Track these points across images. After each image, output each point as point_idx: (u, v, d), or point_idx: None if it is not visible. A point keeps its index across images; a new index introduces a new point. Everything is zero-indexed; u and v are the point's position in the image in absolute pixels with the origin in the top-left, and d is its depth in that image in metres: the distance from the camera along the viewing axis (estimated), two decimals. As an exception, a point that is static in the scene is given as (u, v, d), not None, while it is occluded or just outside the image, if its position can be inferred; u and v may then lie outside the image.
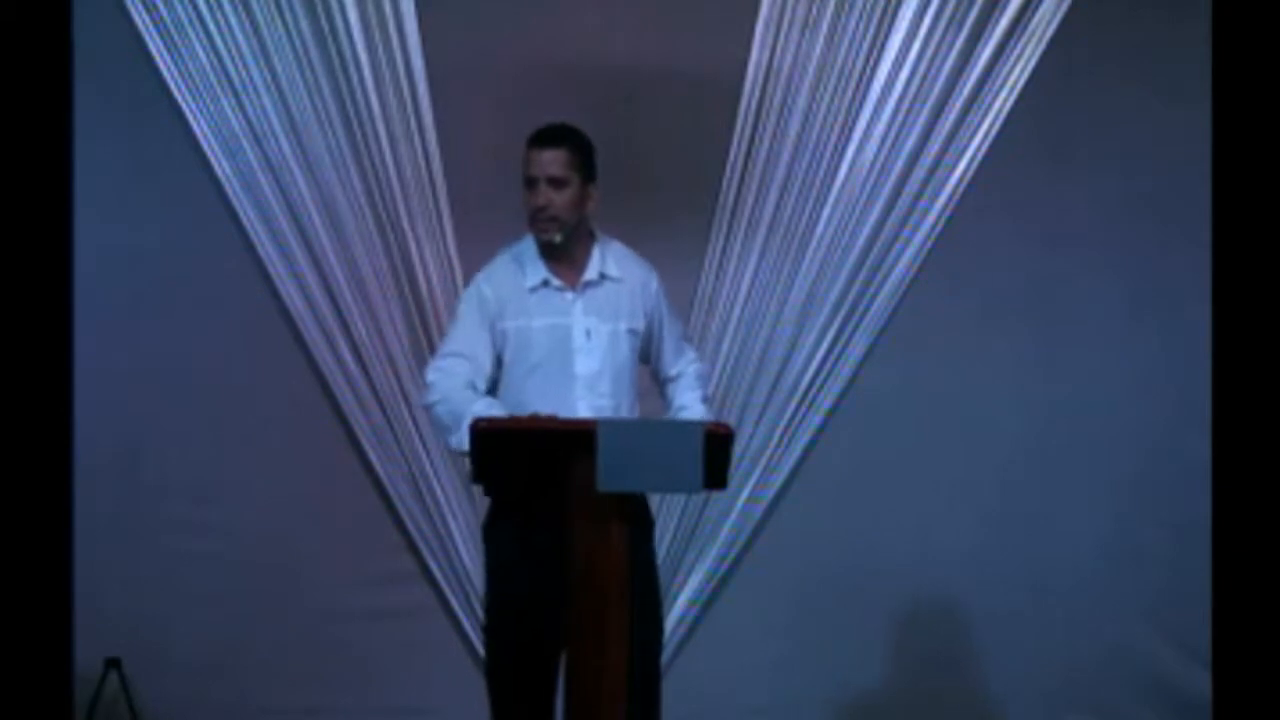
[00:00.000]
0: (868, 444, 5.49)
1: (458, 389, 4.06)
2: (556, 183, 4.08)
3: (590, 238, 4.19)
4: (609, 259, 4.17)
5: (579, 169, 4.11)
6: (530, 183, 4.10)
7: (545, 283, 4.12)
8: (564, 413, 4.00)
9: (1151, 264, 5.57)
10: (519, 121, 5.36)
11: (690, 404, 4.20)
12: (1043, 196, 5.54)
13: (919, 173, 5.47)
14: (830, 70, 5.42)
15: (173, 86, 5.32)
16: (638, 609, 3.90)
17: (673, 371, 4.26)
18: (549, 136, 4.11)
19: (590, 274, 4.13)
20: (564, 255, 4.13)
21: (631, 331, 4.15)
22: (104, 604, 5.23)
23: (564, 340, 4.09)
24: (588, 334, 4.10)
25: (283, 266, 5.36)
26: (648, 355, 4.26)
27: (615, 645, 3.69)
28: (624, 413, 4.11)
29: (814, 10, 5.41)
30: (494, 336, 4.12)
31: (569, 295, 4.12)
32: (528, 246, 4.17)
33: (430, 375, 4.13)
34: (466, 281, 5.32)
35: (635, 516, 4.05)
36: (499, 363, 4.13)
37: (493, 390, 4.14)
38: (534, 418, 3.86)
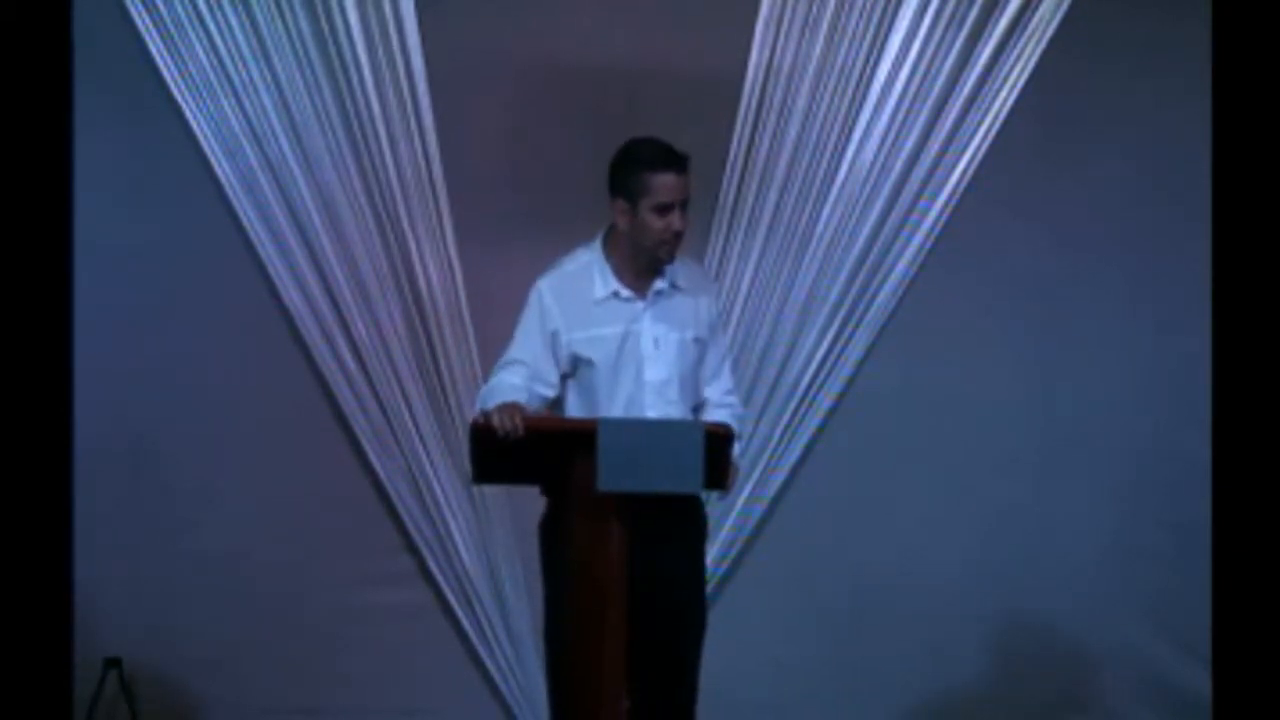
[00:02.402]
0: (868, 444, 5.49)
1: (505, 382, 4.04)
2: (685, 206, 4.08)
3: None
4: (677, 270, 4.17)
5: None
6: (666, 209, 4.05)
7: (615, 294, 4.12)
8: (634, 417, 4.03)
9: (1151, 264, 5.57)
10: (519, 121, 5.42)
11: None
12: (1043, 196, 5.54)
13: (919, 172, 5.47)
14: (830, 70, 5.42)
15: (173, 86, 5.32)
16: (681, 610, 4.04)
17: (709, 394, 4.23)
18: (682, 160, 4.08)
19: (661, 284, 4.14)
20: (635, 267, 4.13)
21: (697, 340, 4.16)
22: (104, 604, 5.23)
23: (634, 348, 4.09)
24: (656, 342, 4.11)
25: (283, 266, 5.36)
26: None
27: (613, 643, 3.69)
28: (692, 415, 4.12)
29: (814, 10, 5.41)
30: (555, 346, 4.11)
31: (639, 305, 4.12)
32: (596, 255, 4.15)
33: (495, 383, 4.10)
34: (467, 281, 5.39)
35: (692, 519, 4.13)
36: (566, 376, 4.13)
37: (558, 402, 4.15)
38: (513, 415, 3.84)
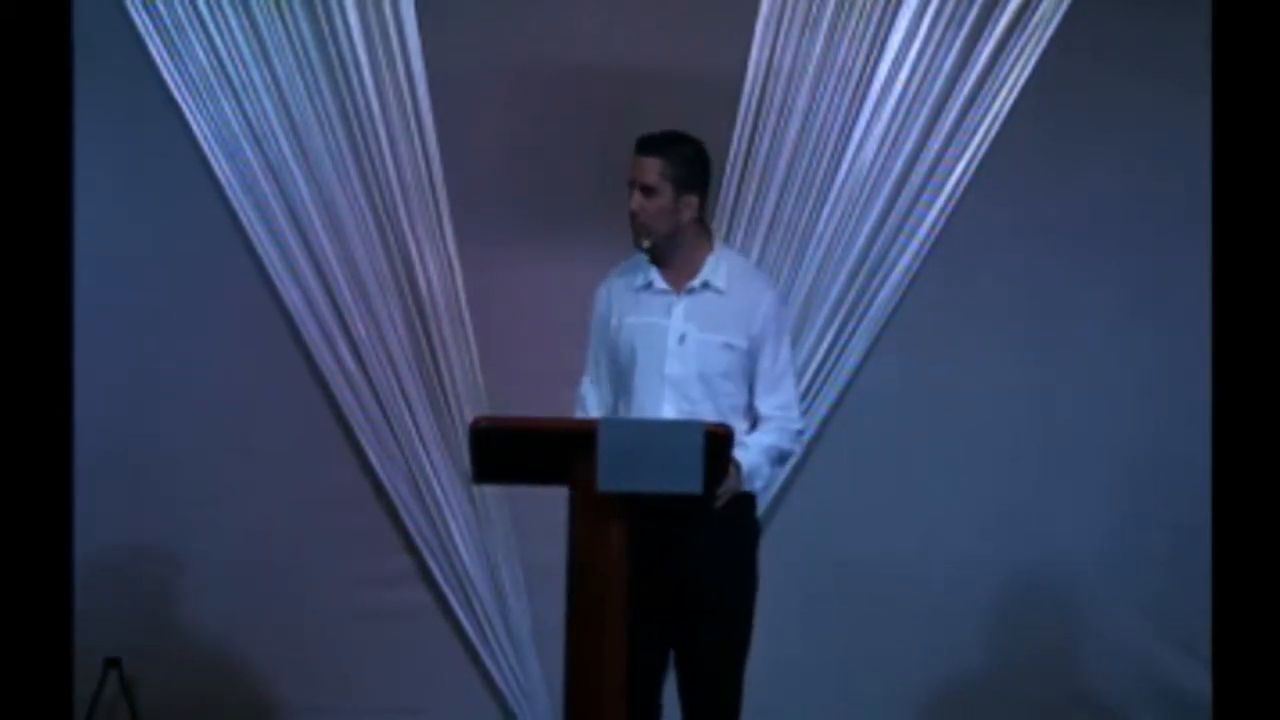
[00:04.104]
0: (868, 444, 5.49)
1: (588, 402, 4.26)
2: (647, 190, 4.12)
3: (704, 246, 4.21)
4: (720, 270, 4.19)
5: (675, 179, 4.13)
6: (629, 185, 4.15)
7: (649, 285, 4.18)
8: (650, 413, 4.07)
9: (1152, 263, 5.57)
10: (519, 121, 5.43)
11: (750, 443, 4.11)
12: (1042, 196, 5.54)
13: (919, 172, 5.47)
14: (830, 69, 5.42)
15: (173, 86, 5.32)
16: (721, 614, 4.09)
17: (760, 407, 4.20)
18: (647, 144, 4.16)
19: (695, 282, 4.17)
20: (670, 260, 4.18)
21: (729, 346, 4.14)
22: (104, 604, 5.23)
23: (658, 341, 4.13)
24: (681, 338, 4.13)
25: (283, 266, 5.36)
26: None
27: (613, 643, 3.69)
28: (723, 412, 4.10)
29: (814, 10, 5.41)
30: (608, 339, 4.23)
31: (670, 298, 4.17)
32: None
33: (579, 390, 4.29)
34: (466, 281, 5.39)
35: (739, 523, 4.17)
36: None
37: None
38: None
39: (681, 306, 4.15)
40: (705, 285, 4.17)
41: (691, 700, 4.16)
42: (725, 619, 4.13)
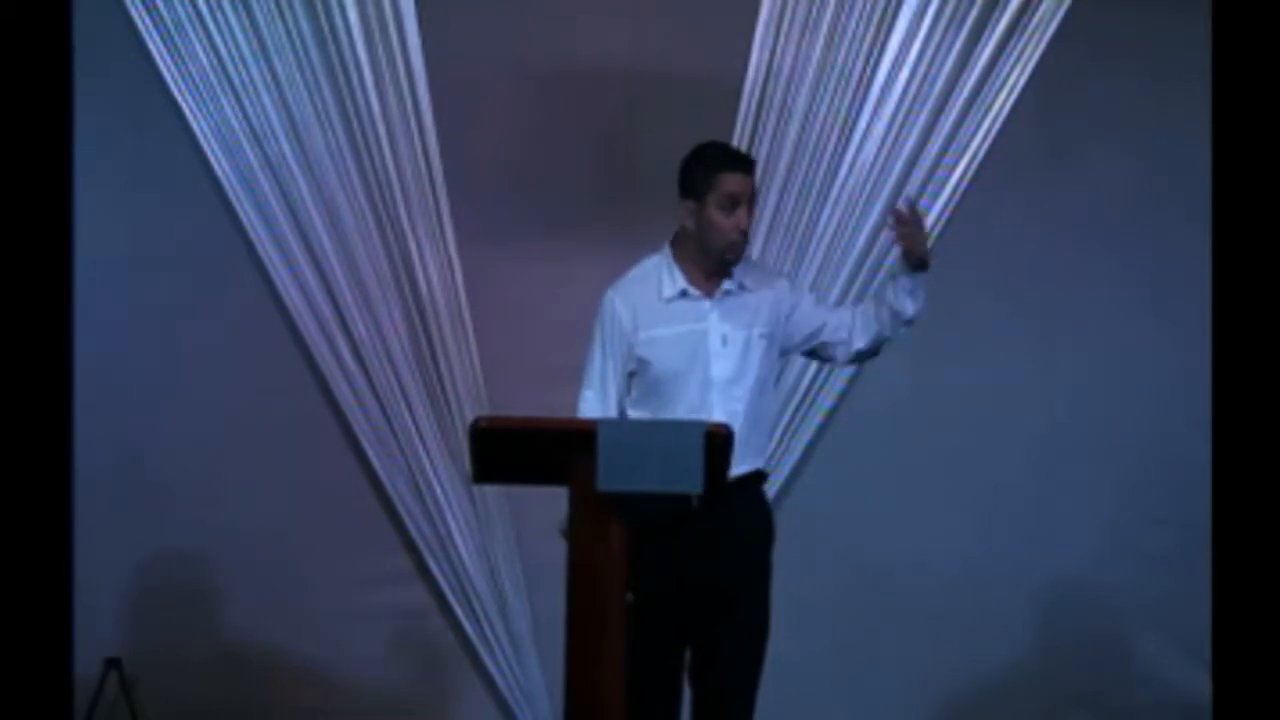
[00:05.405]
0: (868, 444, 5.49)
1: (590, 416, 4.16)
2: (751, 205, 4.16)
3: None
4: (745, 271, 4.23)
5: None
6: (732, 205, 4.12)
7: (683, 293, 4.17)
8: (700, 416, 4.06)
9: (1152, 263, 5.57)
10: (519, 121, 5.42)
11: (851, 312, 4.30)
12: (1043, 196, 5.54)
13: (919, 172, 5.47)
14: (830, 70, 5.42)
15: (173, 86, 5.32)
16: (743, 617, 4.13)
17: (828, 319, 4.28)
18: (748, 159, 4.21)
19: (729, 285, 4.19)
20: (702, 268, 4.19)
21: (763, 336, 4.19)
22: (104, 604, 5.23)
23: (700, 346, 4.14)
24: (723, 340, 4.15)
25: (283, 266, 5.36)
26: (789, 346, 4.28)
27: (613, 643, 3.69)
28: (759, 415, 4.17)
29: (814, 11, 5.41)
30: (627, 352, 4.17)
31: (705, 304, 4.17)
32: (664, 259, 4.21)
33: (578, 409, 4.21)
34: (466, 281, 5.39)
35: (757, 527, 4.22)
36: (633, 374, 4.19)
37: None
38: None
39: (717, 310, 4.17)
40: (741, 287, 4.20)
41: (706, 704, 4.17)
42: (745, 623, 4.17)
